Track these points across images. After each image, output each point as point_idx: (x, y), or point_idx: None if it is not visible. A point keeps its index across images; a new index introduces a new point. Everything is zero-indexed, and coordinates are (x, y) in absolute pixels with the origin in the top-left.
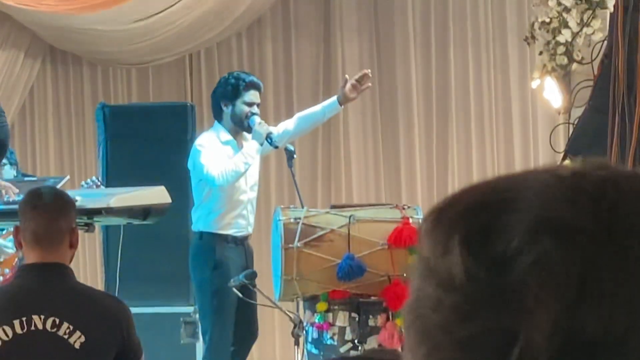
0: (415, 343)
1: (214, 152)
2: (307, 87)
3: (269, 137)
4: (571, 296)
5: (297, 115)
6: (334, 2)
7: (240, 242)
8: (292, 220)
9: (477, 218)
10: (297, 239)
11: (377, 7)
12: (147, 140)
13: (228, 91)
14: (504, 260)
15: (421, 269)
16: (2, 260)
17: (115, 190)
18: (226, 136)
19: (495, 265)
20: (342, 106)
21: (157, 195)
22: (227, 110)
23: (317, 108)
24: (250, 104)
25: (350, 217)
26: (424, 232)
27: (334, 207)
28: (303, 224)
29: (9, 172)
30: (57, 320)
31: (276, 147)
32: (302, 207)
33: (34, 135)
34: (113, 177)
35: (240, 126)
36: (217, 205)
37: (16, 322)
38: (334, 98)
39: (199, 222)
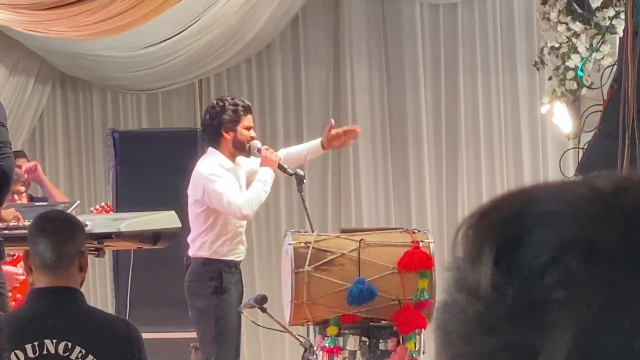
0: (440, 347)
1: (228, 181)
2: (317, 113)
3: (280, 166)
4: (592, 318)
5: (283, 151)
6: (343, 28)
7: (238, 267)
8: (302, 245)
9: (509, 231)
10: (307, 263)
11: (386, 32)
12: (157, 165)
13: (230, 118)
14: (530, 275)
15: (454, 271)
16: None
17: (126, 215)
18: (228, 163)
19: (521, 279)
20: (324, 150)
21: (167, 219)
22: (228, 137)
23: (301, 148)
24: (249, 128)
25: (360, 241)
26: (461, 235)
27: (344, 231)
28: (313, 248)
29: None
30: (69, 345)
31: (290, 175)
32: (312, 231)
33: (44, 161)
34: (123, 202)
35: (242, 151)
36: (223, 232)
37: (28, 347)
38: (318, 141)
39: (202, 248)
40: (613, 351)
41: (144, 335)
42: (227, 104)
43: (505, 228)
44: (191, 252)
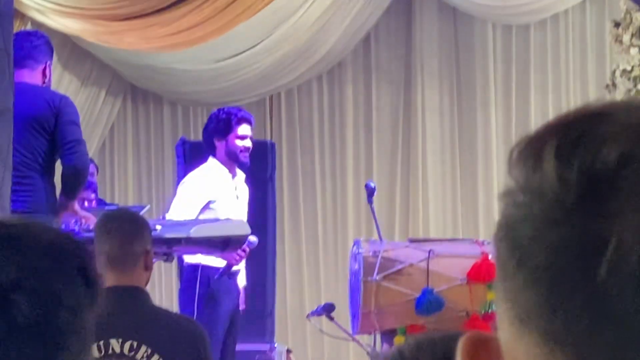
0: (506, 257)
1: (185, 201)
2: (387, 131)
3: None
4: None
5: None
6: (415, 47)
7: (230, 275)
8: (371, 254)
9: (570, 130)
10: (376, 272)
11: (458, 52)
12: None
13: (220, 127)
14: (597, 164)
15: (511, 191)
16: None
17: (196, 222)
18: (221, 170)
19: (588, 169)
20: None
21: (236, 227)
22: (220, 145)
23: None
24: (242, 137)
25: (429, 251)
26: (514, 158)
27: (412, 241)
28: (382, 257)
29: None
30: (135, 344)
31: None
32: (381, 240)
33: (113, 173)
34: None
35: (234, 160)
36: None
37: (93, 347)
38: None
39: (192, 255)
40: None
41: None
42: (221, 113)
43: (566, 129)
44: (185, 258)
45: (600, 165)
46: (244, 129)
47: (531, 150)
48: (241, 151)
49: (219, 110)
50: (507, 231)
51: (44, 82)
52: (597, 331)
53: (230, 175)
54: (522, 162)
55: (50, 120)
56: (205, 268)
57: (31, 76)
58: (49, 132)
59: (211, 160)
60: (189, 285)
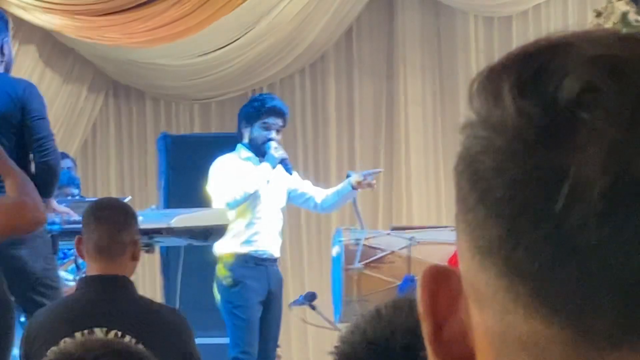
0: (467, 192)
1: (222, 176)
2: (370, 124)
3: (284, 162)
4: (622, 130)
5: (323, 192)
6: (397, 39)
7: (261, 263)
8: (352, 242)
9: (530, 62)
10: (357, 260)
11: (440, 44)
12: (209, 170)
13: (250, 113)
14: (557, 96)
15: (471, 124)
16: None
17: (176, 211)
18: (246, 153)
19: (548, 102)
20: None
21: (217, 216)
22: (246, 132)
23: (333, 194)
24: (268, 128)
25: (411, 238)
26: (474, 91)
27: (394, 229)
28: (364, 245)
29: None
30: (119, 334)
31: (290, 174)
32: (362, 229)
33: (96, 169)
34: (174, 207)
35: (256, 150)
36: (238, 225)
37: (78, 335)
38: (347, 183)
39: (218, 244)
40: None
41: (197, 341)
42: (255, 100)
43: (524, 62)
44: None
45: (561, 98)
46: (272, 120)
47: (491, 83)
48: (263, 142)
49: (258, 95)
50: (469, 164)
51: (2, 61)
52: (557, 264)
53: (257, 159)
54: (482, 95)
55: (15, 116)
56: (229, 254)
57: None
58: (16, 128)
59: (238, 146)
60: (215, 275)
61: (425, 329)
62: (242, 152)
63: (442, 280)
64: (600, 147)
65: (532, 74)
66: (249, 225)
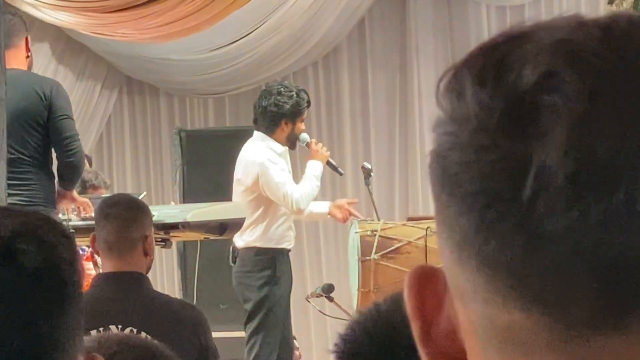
0: (439, 188)
1: (284, 171)
2: (383, 116)
3: (329, 162)
4: (583, 112)
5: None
6: (409, 30)
7: (288, 255)
8: (368, 233)
9: (489, 56)
10: (374, 251)
11: (453, 34)
12: (223, 163)
13: (294, 110)
14: (517, 86)
15: (440, 122)
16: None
17: (192, 206)
18: (279, 148)
19: (508, 91)
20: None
21: (233, 210)
22: (286, 129)
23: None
24: (303, 122)
25: (427, 229)
26: (440, 88)
27: (410, 219)
28: (380, 236)
29: None
30: (135, 331)
31: (340, 174)
32: (379, 220)
33: (112, 165)
34: (189, 201)
35: (292, 144)
36: (275, 220)
37: (93, 333)
38: (326, 208)
39: (254, 238)
40: (607, 146)
41: (214, 335)
42: (294, 94)
43: (489, 51)
44: (241, 242)
45: (520, 86)
46: (305, 114)
47: (455, 78)
48: (297, 138)
49: (290, 89)
50: (438, 161)
51: (28, 57)
52: (530, 253)
53: (287, 154)
54: (447, 92)
55: (42, 114)
56: (264, 250)
57: (16, 57)
58: (42, 126)
59: (266, 139)
60: (249, 270)
61: (415, 329)
62: (276, 146)
63: (428, 279)
64: (561, 131)
65: (493, 65)
66: (285, 220)
